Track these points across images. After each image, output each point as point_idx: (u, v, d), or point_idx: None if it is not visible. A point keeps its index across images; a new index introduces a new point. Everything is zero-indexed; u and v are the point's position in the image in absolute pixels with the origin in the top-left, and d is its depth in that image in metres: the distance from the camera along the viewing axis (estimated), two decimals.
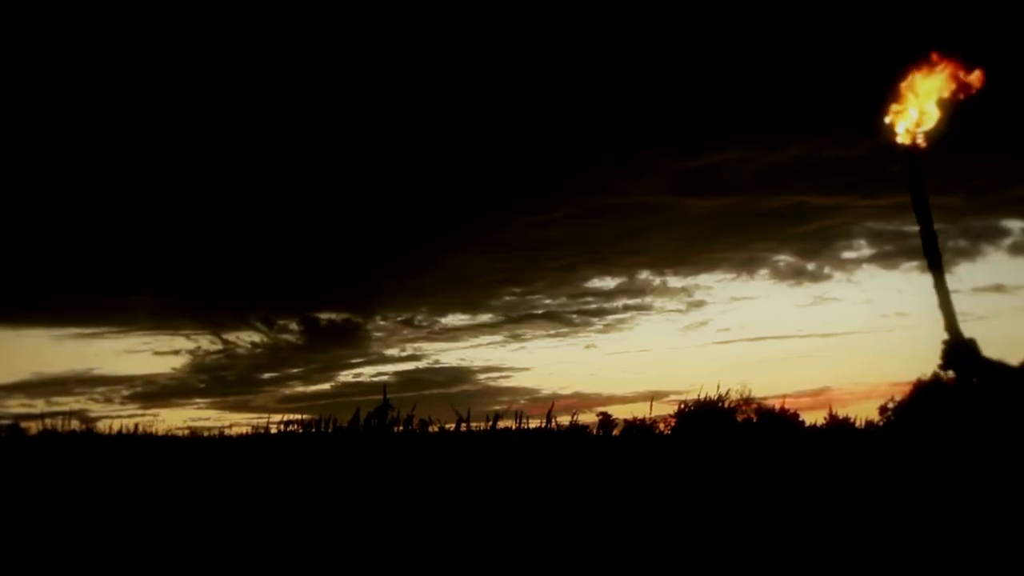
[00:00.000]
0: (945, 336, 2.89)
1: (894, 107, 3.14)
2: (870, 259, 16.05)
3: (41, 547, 6.00)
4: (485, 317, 16.16)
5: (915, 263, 15.73)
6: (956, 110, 3.20)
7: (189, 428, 9.22)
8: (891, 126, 3.13)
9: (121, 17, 10.50)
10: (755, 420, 11.16)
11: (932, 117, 3.15)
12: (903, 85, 3.17)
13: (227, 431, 9.20)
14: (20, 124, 11.05)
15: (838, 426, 11.00)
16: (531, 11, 11.80)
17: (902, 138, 3.13)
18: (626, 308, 16.12)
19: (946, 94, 3.15)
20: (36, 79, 10.90)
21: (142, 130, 11.37)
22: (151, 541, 6.17)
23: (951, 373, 2.84)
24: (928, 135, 3.13)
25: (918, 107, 3.15)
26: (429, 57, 12.09)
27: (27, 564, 5.82)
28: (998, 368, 2.92)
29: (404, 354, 15.71)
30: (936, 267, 3.01)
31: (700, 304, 16.15)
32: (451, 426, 9.08)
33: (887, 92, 3.18)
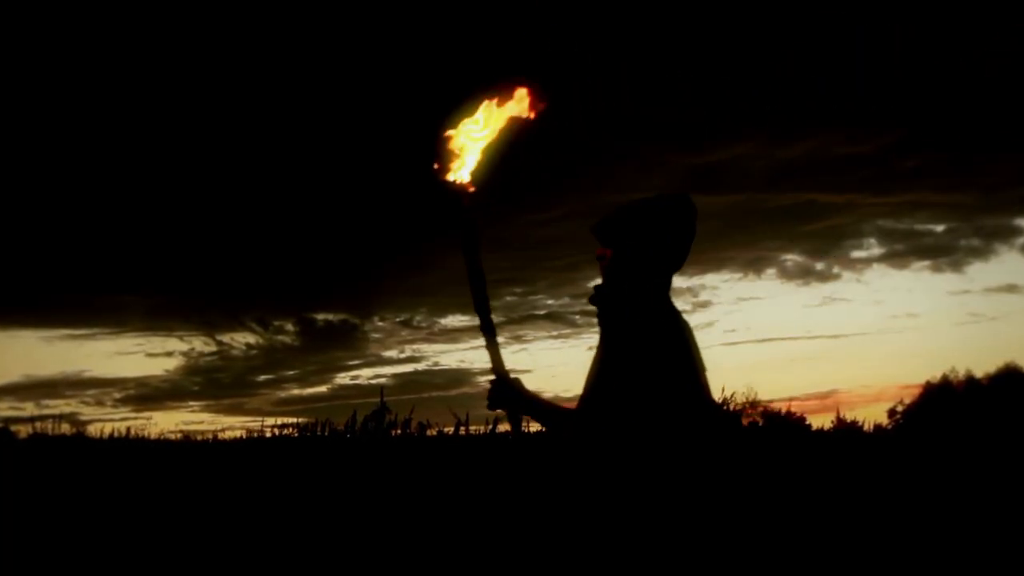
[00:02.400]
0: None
1: (447, 145, 2.95)
2: (880, 259, 15.89)
3: (30, 554, 5.91)
4: None
5: (926, 263, 15.57)
6: (514, 148, 3.06)
7: (182, 432, 9.10)
8: (444, 164, 2.94)
9: (114, 15, 10.39)
10: (761, 424, 11.02)
11: (482, 156, 2.97)
12: (459, 120, 2.98)
13: (221, 435, 9.08)
14: (10, 124, 10.96)
15: (846, 430, 10.85)
16: (533, 4, 11.64)
17: (454, 176, 2.94)
18: None
19: (502, 131, 3.00)
20: (28, 79, 10.80)
21: (135, 129, 11.25)
22: (143, 548, 6.09)
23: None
24: (478, 176, 2.95)
25: (469, 145, 2.97)
26: (428, 53, 11.94)
27: (16, 570, 5.74)
28: (547, 405, 2.83)
29: (403, 356, 15.58)
30: (487, 327, 2.89)
31: (706, 304, 15.99)
32: (450, 429, 8.95)
33: (441, 130, 2.98)
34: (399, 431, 8.87)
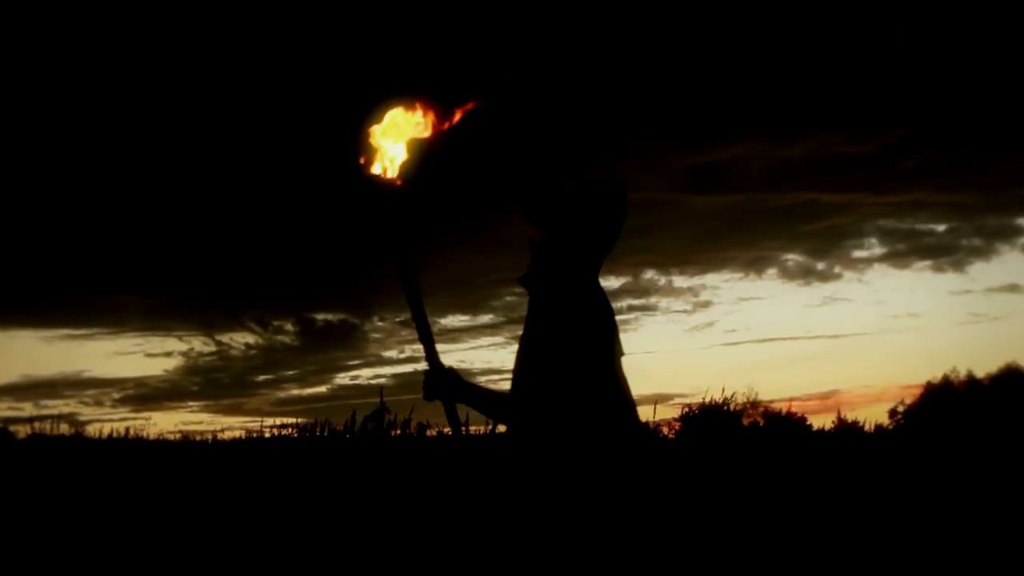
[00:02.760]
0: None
1: (372, 150, 2.94)
2: (882, 258, 15.85)
3: (28, 554, 5.90)
4: (486, 318, 15.98)
5: (928, 263, 15.54)
6: (440, 155, 3.02)
7: (181, 432, 9.09)
8: (370, 158, 2.93)
9: (112, 15, 10.37)
10: (762, 424, 11.00)
11: (410, 151, 2.96)
12: (379, 126, 2.96)
13: (220, 435, 9.06)
14: (8, 124, 10.94)
15: (846, 430, 10.84)
16: (530, 2, 11.62)
17: (381, 170, 2.93)
18: (630, 308, 15.90)
19: (422, 139, 2.97)
20: (25, 79, 10.78)
21: (133, 129, 11.23)
22: (142, 549, 6.08)
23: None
24: (406, 170, 2.93)
25: (397, 139, 2.96)
26: (426, 52, 11.92)
27: (16, 571, 5.73)
28: (483, 392, 2.87)
29: (403, 356, 15.52)
30: (419, 319, 2.87)
31: (706, 304, 15.94)
32: (449, 430, 8.91)
33: (364, 133, 2.96)
34: (399, 431, 8.86)
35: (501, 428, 2.95)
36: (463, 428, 3.01)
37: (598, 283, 2.83)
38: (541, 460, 2.76)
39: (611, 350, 2.73)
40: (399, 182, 2.90)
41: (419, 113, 2.96)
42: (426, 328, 2.88)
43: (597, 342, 2.69)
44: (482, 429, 9.01)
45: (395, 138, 2.93)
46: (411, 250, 2.90)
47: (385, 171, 2.90)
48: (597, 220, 2.85)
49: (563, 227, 2.83)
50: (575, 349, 2.65)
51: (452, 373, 2.88)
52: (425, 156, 2.94)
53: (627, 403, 2.76)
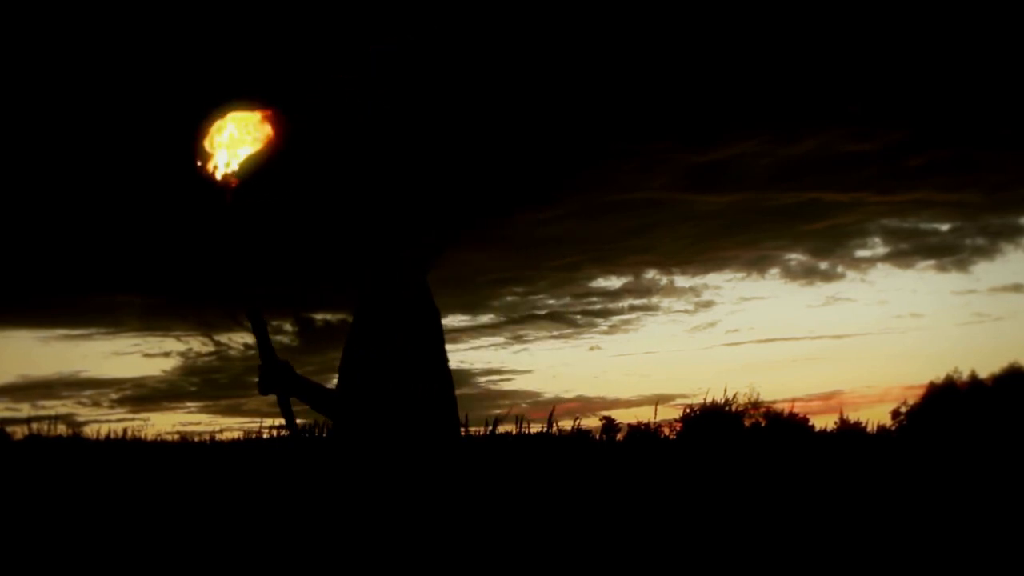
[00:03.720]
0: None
1: (210, 154, 2.96)
2: (885, 258, 15.78)
3: (26, 556, 5.88)
4: (486, 318, 15.93)
5: (931, 262, 15.47)
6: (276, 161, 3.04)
7: (179, 433, 9.05)
8: (207, 160, 2.95)
9: (106, 14, 10.33)
10: (763, 425, 10.96)
11: (248, 153, 2.99)
12: (214, 131, 2.98)
13: (218, 436, 9.02)
14: (7, 124, 10.91)
15: (849, 431, 10.79)
16: (533, 2, 11.57)
17: (217, 172, 2.95)
18: (632, 308, 15.86)
19: (258, 145, 3.01)
20: (19, 78, 10.75)
21: (130, 128, 11.20)
22: (140, 550, 6.05)
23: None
24: (242, 172, 2.96)
25: (235, 142, 2.99)
26: (426, 51, 11.87)
27: (13, 572, 5.71)
28: (316, 387, 2.92)
29: None
30: (253, 314, 2.93)
31: (708, 304, 15.89)
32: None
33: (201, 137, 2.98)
34: None
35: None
36: (297, 422, 3.06)
37: (426, 285, 2.92)
38: (366, 456, 2.84)
39: (435, 351, 2.82)
40: (233, 184, 2.94)
41: (258, 118, 2.99)
42: (261, 322, 2.92)
43: (422, 343, 2.79)
44: (481, 430, 9.00)
45: (233, 144, 2.97)
46: (245, 250, 2.94)
47: (222, 172, 2.94)
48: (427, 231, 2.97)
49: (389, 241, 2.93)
50: (401, 349, 2.75)
51: (286, 367, 2.92)
52: (263, 164, 2.99)
53: (449, 403, 2.86)
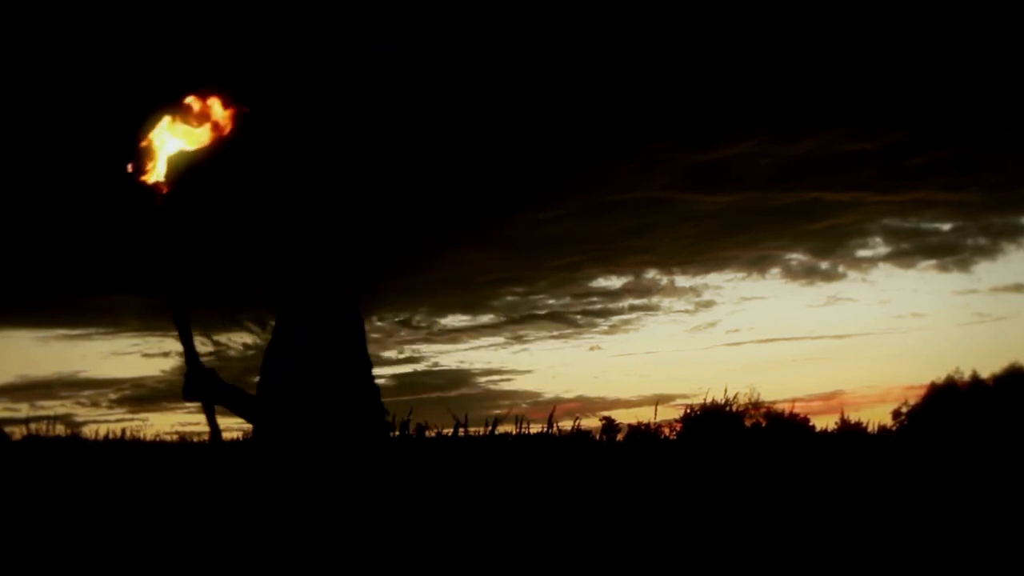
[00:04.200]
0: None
1: (143, 145, 2.99)
2: (886, 258, 15.77)
3: (25, 557, 5.87)
4: (486, 318, 15.92)
5: (932, 262, 15.45)
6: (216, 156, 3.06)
7: (178, 433, 9.04)
8: (139, 165, 2.97)
9: (106, 13, 10.31)
10: (764, 425, 10.93)
11: (177, 158, 3.01)
12: (156, 129, 3.00)
13: None
14: (5, 124, 10.89)
15: (849, 431, 10.76)
16: (533, 2, 11.54)
17: (148, 176, 2.99)
18: (632, 308, 15.85)
19: (200, 139, 3.03)
20: (18, 77, 10.74)
21: (128, 126, 11.15)
22: (139, 551, 6.03)
23: None
24: (172, 176, 2.99)
25: (165, 147, 3.01)
26: (427, 51, 11.85)
27: (11, 573, 5.70)
28: (239, 393, 3.00)
29: (402, 356, 15.48)
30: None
31: (709, 304, 15.88)
32: (448, 431, 8.87)
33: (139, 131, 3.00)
34: (397, 433, 8.81)
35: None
36: (219, 429, 3.12)
37: (352, 293, 2.99)
38: (287, 459, 2.95)
39: (358, 358, 2.88)
40: (166, 188, 2.96)
41: (193, 120, 3.00)
42: (187, 329, 2.97)
43: (344, 350, 2.85)
44: (481, 431, 8.98)
45: (166, 144, 2.99)
46: (176, 253, 2.98)
47: (153, 177, 2.96)
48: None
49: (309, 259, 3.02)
50: (321, 356, 2.81)
51: (211, 374, 2.98)
52: (195, 166, 3.00)
53: (374, 408, 2.93)
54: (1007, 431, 10.67)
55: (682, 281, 16.00)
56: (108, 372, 14.69)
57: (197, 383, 2.96)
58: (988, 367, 15.34)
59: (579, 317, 15.82)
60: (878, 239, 15.77)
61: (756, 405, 11.25)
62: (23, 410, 13.85)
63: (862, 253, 15.89)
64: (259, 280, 2.98)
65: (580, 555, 6.11)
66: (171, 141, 2.98)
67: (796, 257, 15.85)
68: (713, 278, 16.11)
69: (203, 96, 3.01)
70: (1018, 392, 13.13)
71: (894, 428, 12.88)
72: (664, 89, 13.11)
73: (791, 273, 15.92)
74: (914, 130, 13.89)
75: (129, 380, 14.09)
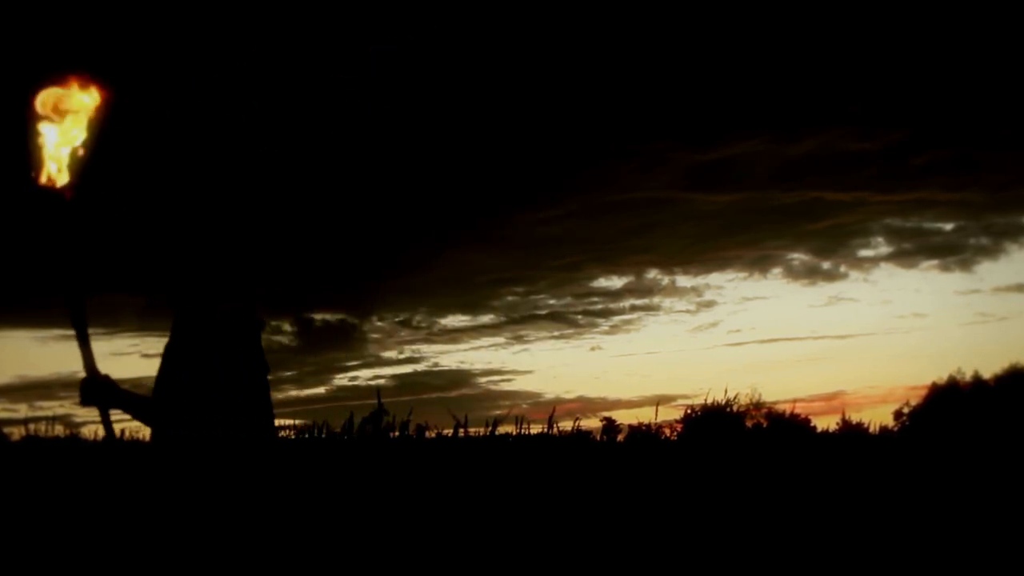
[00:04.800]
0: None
1: (38, 149, 2.91)
2: (888, 258, 15.76)
3: (23, 557, 5.85)
4: (486, 318, 15.91)
5: (934, 262, 15.43)
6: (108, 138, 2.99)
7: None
8: (38, 169, 2.90)
9: (108, 10, 10.29)
10: (765, 426, 10.90)
11: (73, 153, 2.94)
12: (44, 108, 2.92)
13: None
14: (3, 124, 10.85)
15: (851, 432, 10.74)
16: (533, 2, 11.52)
17: (49, 179, 2.92)
18: (633, 308, 15.84)
19: (85, 120, 2.94)
20: (16, 72, 10.70)
21: (126, 124, 11.13)
22: (137, 552, 5.99)
23: None
24: (73, 173, 2.92)
25: (59, 145, 2.94)
26: (427, 51, 11.83)
27: (10, 573, 5.69)
28: (136, 399, 3.01)
29: (402, 356, 15.47)
30: (78, 325, 2.98)
31: (710, 304, 15.87)
32: (448, 432, 8.85)
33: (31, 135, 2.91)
34: (397, 433, 8.79)
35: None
36: (116, 432, 3.15)
37: (252, 303, 2.98)
38: (186, 462, 2.99)
39: (252, 367, 2.90)
40: (70, 190, 2.93)
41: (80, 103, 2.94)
42: (85, 336, 2.97)
43: (238, 359, 2.87)
44: (481, 431, 8.96)
45: (59, 142, 2.93)
46: (77, 257, 2.97)
47: (54, 179, 2.91)
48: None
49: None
50: (218, 364, 2.84)
51: (108, 381, 2.99)
52: (91, 159, 2.97)
53: (265, 414, 2.98)
54: (1009, 431, 10.64)
55: (683, 281, 16.00)
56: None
57: (95, 389, 2.97)
58: (990, 367, 15.35)
59: (580, 317, 15.82)
60: (880, 239, 15.77)
61: (757, 405, 11.23)
62: (22, 410, 13.85)
63: (864, 253, 15.90)
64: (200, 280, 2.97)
65: (581, 556, 6.10)
66: (51, 138, 2.91)
67: (797, 257, 15.84)
68: (714, 278, 16.13)
69: (60, 84, 2.92)
70: (1020, 392, 13.10)
71: (896, 428, 12.87)
72: (664, 89, 13.09)
73: (792, 273, 15.92)
74: (915, 130, 13.88)
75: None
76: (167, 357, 2.94)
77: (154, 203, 3.14)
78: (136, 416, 3.04)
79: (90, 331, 3.03)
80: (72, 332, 2.97)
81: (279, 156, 12.09)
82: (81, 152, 2.92)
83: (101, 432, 8.84)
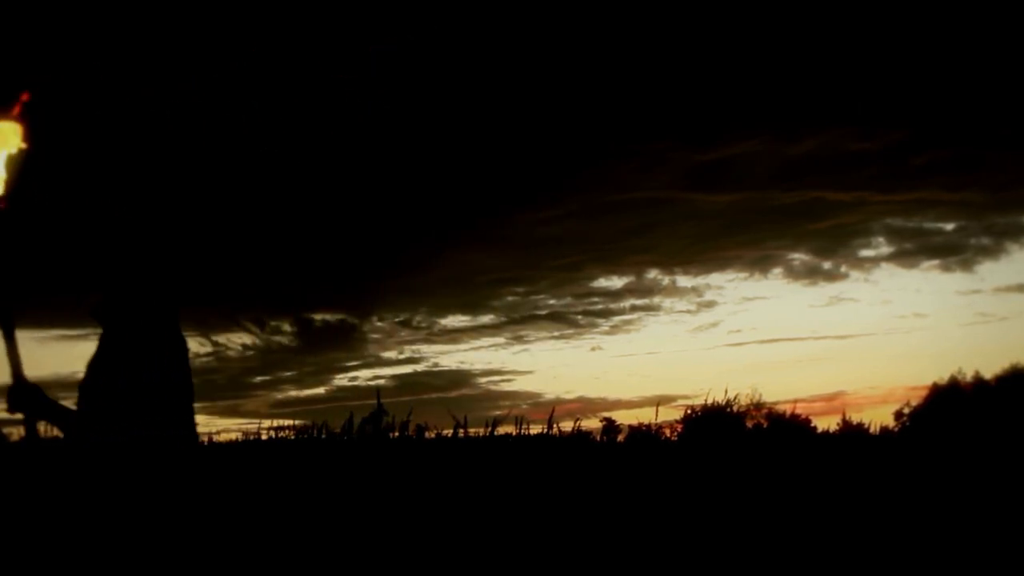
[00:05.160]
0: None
1: None
2: (888, 258, 15.73)
3: (23, 558, 5.83)
4: (486, 318, 15.88)
5: (935, 262, 15.41)
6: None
7: None
8: None
9: (110, 14, 10.28)
10: (765, 426, 10.89)
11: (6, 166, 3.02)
12: None
13: (216, 437, 8.95)
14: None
15: (851, 432, 10.72)
16: (533, 2, 11.51)
17: None
18: (633, 309, 15.81)
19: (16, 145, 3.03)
20: (16, 71, 10.68)
21: (128, 125, 11.15)
22: (137, 552, 5.98)
23: None
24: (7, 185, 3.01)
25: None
26: (427, 51, 11.83)
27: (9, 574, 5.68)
28: (60, 408, 3.05)
29: (402, 357, 15.45)
30: (7, 331, 3.05)
31: (710, 304, 15.84)
32: (448, 432, 8.84)
33: None
34: (397, 433, 8.78)
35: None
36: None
37: (175, 320, 3.02)
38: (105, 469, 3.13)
39: (177, 379, 2.94)
40: (3, 205, 3.02)
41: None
42: (13, 343, 3.02)
43: (158, 371, 2.91)
44: (481, 432, 8.96)
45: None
46: (3, 264, 3.06)
47: None
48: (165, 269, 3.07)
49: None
50: (139, 377, 2.88)
51: (35, 389, 3.02)
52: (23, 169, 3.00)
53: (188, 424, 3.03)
54: (1010, 432, 10.63)
55: (683, 281, 15.97)
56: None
57: (22, 397, 2.99)
58: (991, 367, 15.31)
59: (580, 317, 15.80)
60: (880, 239, 15.75)
61: (758, 406, 11.21)
62: None
63: (864, 253, 15.86)
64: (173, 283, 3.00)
65: (581, 556, 6.09)
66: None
67: (798, 257, 15.81)
68: (715, 278, 16.07)
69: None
70: (1021, 392, 13.09)
71: (896, 429, 12.85)
72: (664, 89, 13.08)
73: (793, 273, 15.90)
74: (915, 130, 13.87)
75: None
76: (91, 365, 2.97)
77: (94, 207, 3.17)
78: (59, 426, 3.10)
79: (91, 331, 3.07)
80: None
81: (279, 156, 12.08)
82: (13, 161, 3.00)
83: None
